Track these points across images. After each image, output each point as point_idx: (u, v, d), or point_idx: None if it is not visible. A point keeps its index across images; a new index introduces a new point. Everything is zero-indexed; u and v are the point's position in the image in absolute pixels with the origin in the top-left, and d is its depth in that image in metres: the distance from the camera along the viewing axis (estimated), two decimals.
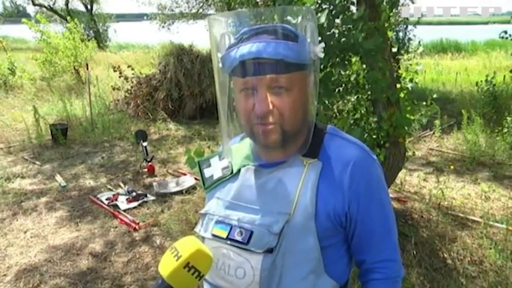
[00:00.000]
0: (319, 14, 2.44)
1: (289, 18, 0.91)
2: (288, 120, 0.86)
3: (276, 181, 0.91)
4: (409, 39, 9.20)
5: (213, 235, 0.93)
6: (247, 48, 0.83)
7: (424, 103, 4.37)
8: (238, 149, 1.00)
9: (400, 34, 8.83)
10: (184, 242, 0.82)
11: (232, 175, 0.99)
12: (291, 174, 0.90)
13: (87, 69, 7.00)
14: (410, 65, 3.55)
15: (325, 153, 0.92)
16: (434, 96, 4.66)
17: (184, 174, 4.62)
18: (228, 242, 0.90)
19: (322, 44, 0.89)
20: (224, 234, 0.91)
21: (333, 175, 0.89)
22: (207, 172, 1.04)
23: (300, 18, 0.89)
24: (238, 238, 0.88)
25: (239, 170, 0.97)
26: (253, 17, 0.93)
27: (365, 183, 0.90)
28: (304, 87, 0.88)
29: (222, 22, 0.92)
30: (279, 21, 0.91)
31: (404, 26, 8.79)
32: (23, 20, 9.27)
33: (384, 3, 2.98)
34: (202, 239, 0.96)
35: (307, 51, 0.86)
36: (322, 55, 0.88)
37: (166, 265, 0.79)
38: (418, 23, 8.34)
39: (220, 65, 0.90)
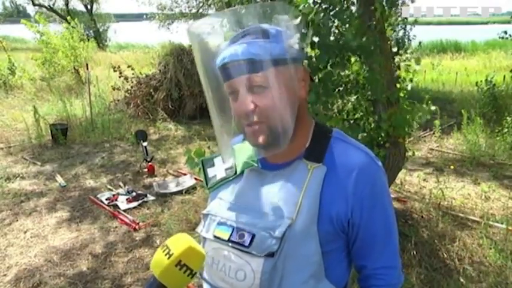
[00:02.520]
0: (320, 15, 2.43)
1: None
2: (273, 117, 0.86)
3: (279, 185, 0.90)
4: (409, 38, 9.19)
5: (215, 236, 0.93)
6: (223, 55, 0.86)
7: (425, 105, 4.37)
8: (241, 149, 0.99)
9: (400, 34, 8.81)
10: (175, 239, 0.80)
11: (235, 176, 0.98)
12: (295, 178, 0.90)
13: (87, 69, 7.00)
14: (409, 65, 3.54)
15: (330, 158, 0.91)
16: (428, 96, 4.64)
17: (184, 174, 4.62)
18: (230, 244, 0.89)
19: (298, 35, 0.90)
20: (226, 236, 0.90)
21: (337, 180, 0.88)
22: (211, 172, 1.04)
23: (274, 14, 0.90)
24: (240, 240, 0.88)
25: (243, 171, 0.96)
26: (230, 17, 0.93)
27: (369, 189, 0.89)
28: (286, 82, 0.87)
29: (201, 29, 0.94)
30: (255, 21, 0.91)
31: (403, 26, 8.77)
32: (22, 20, 9.26)
33: (384, 2, 2.97)
34: (204, 239, 0.96)
35: (281, 46, 0.86)
36: (297, 46, 0.89)
37: (158, 263, 0.78)
38: (415, 22, 8.33)
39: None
